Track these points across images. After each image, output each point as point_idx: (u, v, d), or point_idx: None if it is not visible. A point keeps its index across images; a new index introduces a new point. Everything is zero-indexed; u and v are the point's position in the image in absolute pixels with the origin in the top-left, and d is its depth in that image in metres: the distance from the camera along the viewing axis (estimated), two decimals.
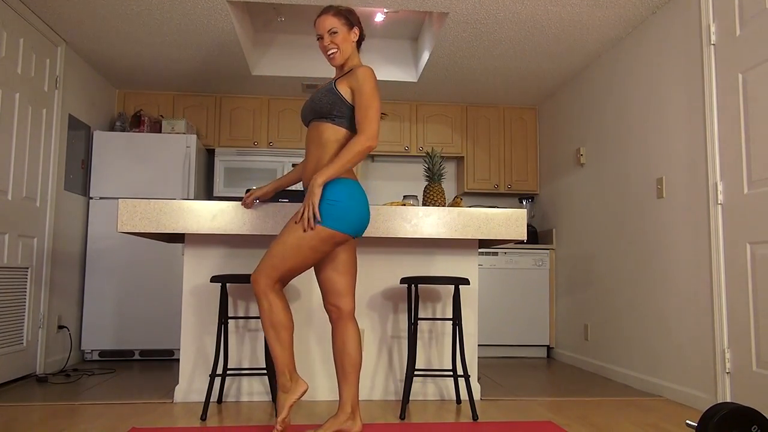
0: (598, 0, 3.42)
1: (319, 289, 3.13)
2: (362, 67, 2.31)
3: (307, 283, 3.14)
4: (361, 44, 2.45)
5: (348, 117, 2.30)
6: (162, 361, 4.41)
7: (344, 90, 2.29)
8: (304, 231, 2.16)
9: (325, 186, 2.20)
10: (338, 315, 2.34)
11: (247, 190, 4.24)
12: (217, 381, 3.07)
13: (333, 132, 2.31)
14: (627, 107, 3.84)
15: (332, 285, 2.34)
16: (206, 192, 5.19)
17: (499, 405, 3.04)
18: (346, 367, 2.30)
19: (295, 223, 2.19)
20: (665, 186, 3.38)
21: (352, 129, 2.31)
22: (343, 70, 2.39)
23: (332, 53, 2.36)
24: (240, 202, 2.72)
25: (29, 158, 3.65)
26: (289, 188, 5.02)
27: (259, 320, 3.10)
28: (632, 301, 3.72)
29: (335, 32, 2.34)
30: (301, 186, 5.10)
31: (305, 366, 3.10)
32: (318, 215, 2.16)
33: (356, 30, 2.39)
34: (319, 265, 2.36)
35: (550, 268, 4.99)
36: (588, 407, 3.02)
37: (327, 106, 2.29)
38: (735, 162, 2.85)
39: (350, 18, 2.38)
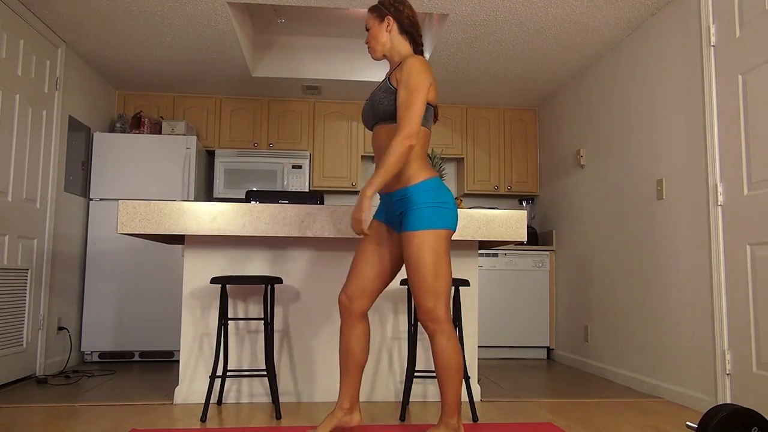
0: (597, 1, 3.42)
1: (313, 291, 3.13)
2: (411, 58, 2.18)
3: (304, 285, 3.14)
4: (409, 30, 2.31)
5: None
6: (162, 363, 4.41)
7: (395, 84, 2.20)
8: (360, 235, 2.06)
9: (427, 190, 2.15)
10: (348, 313, 2.29)
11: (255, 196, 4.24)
12: (217, 382, 3.07)
13: None
14: (627, 108, 3.84)
15: (363, 281, 2.27)
16: (206, 193, 5.19)
17: (499, 406, 3.03)
18: (350, 364, 2.28)
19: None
20: (665, 187, 3.38)
21: (425, 125, 2.23)
22: (392, 65, 2.34)
23: (369, 50, 2.36)
24: (239, 204, 2.72)
25: (29, 159, 3.65)
26: (289, 190, 5.02)
27: (261, 322, 3.10)
28: (632, 303, 3.72)
29: (369, 29, 2.35)
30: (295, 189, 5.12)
31: (306, 367, 3.10)
32: (365, 227, 2.10)
33: (389, 19, 2.29)
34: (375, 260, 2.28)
35: (550, 270, 4.99)
36: (588, 408, 3.02)
37: (389, 107, 2.18)
38: (735, 163, 2.85)
39: (381, 10, 2.32)
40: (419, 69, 2.14)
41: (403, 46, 2.31)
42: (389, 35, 2.31)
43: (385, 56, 2.35)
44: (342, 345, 2.29)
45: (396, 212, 2.24)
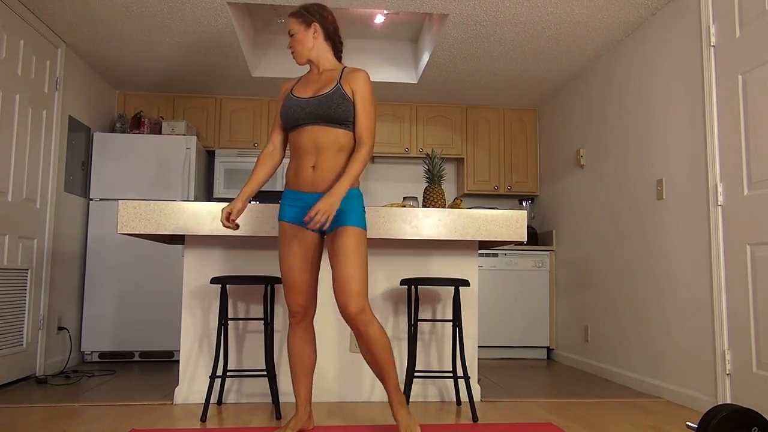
0: (597, 1, 3.42)
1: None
2: (363, 72, 2.33)
3: None
4: (333, 36, 2.40)
5: (353, 122, 2.33)
6: (162, 363, 4.41)
7: (349, 93, 2.29)
8: (313, 230, 2.24)
9: (358, 195, 2.33)
10: (302, 319, 2.42)
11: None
12: (217, 382, 3.07)
13: (348, 138, 2.31)
14: (627, 108, 3.84)
15: (307, 289, 2.41)
16: (206, 193, 5.19)
17: (499, 406, 3.03)
18: (307, 369, 2.44)
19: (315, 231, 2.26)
20: (665, 187, 3.39)
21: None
22: (320, 69, 2.40)
23: (293, 54, 2.40)
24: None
25: (29, 160, 3.65)
26: None
27: (261, 322, 3.10)
28: (632, 303, 3.72)
29: (292, 34, 2.38)
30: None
31: None
32: (329, 223, 2.18)
33: (315, 26, 2.36)
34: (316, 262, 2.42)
35: (550, 270, 4.99)
36: (588, 408, 3.02)
37: (344, 113, 2.27)
38: (735, 163, 2.86)
39: (306, 17, 2.36)
40: (371, 85, 2.33)
41: (329, 52, 2.42)
42: (315, 41, 2.38)
43: (310, 61, 2.41)
44: (296, 351, 2.40)
45: None
